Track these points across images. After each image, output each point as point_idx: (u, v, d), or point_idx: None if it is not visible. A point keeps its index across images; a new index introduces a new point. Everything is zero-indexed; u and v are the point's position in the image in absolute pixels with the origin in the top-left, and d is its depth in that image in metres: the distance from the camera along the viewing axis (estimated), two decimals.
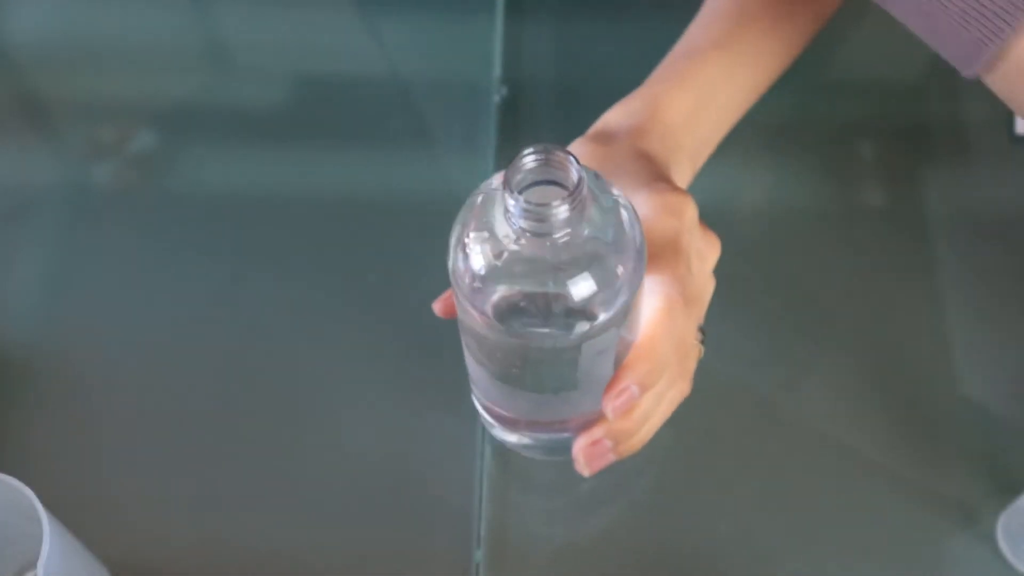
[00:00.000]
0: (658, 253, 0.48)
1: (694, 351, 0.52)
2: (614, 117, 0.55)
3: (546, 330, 0.43)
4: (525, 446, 0.55)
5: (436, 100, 0.69)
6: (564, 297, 0.42)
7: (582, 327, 0.43)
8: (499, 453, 0.57)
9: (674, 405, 0.52)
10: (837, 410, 0.59)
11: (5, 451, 0.57)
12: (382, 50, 0.73)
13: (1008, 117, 0.67)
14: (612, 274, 0.42)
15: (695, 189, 0.63)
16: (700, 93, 0.56)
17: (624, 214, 0.43)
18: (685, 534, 0.55)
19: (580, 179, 0.39)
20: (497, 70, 0.70)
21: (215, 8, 0.75)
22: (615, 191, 0.43)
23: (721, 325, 0.61)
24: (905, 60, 0.71)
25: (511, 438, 0.54)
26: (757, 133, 0.67)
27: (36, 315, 0.62)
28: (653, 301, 0.47)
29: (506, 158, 0.65)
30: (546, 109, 0.68)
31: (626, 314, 0.44)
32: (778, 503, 0.56)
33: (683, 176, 0.55)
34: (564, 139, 0.56)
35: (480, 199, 0.43)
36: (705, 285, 0.52)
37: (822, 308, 0.62)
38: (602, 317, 0.43)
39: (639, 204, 0.48)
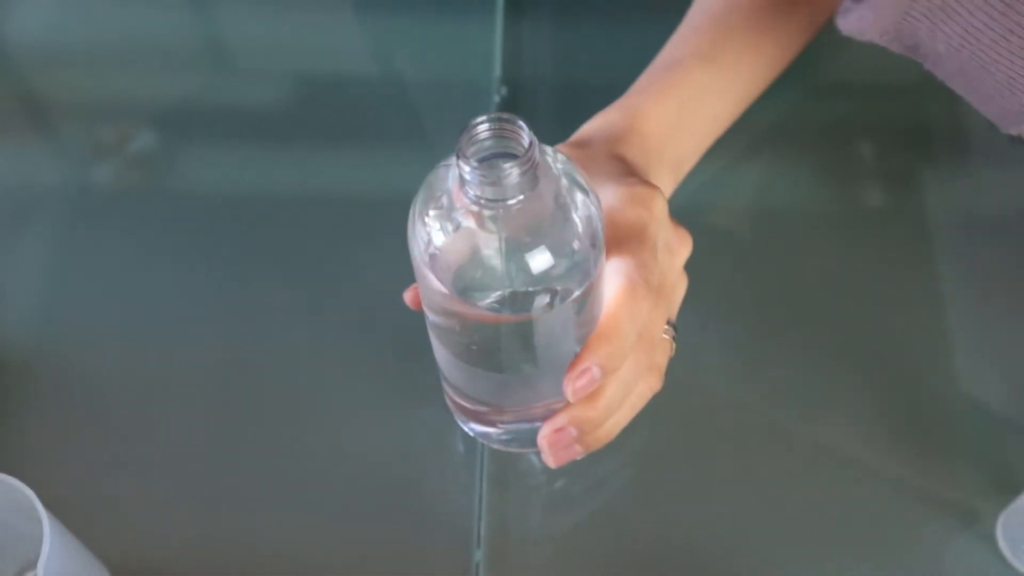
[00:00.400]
0: (623, 239, 0.48)
1: (664, 345, 0.51)
2: (593, 127, 0.55)
3: (502, 303, 0.43)
4: (498, 439, 0.55)
5: (436, 100, 0.69)
6: (519, 266, 0.42)
7: (540, 300, 0.43)
8: (499, 453, 0.57)
9: (644, 400, 0.51)
10: (836, 410, 0.59)
11: (5, 451, 0.57)
12: (382, 50, 0.73)
13: None
14: (568, 245, 0.43)
15: (693, 188, 0.63)
16: (681, 104, 0.56)
17: (580, 184, 0.44)
18: (687, 534, 0.55)
19: (531, 143, 0.40)
20: (497, 70, 0.70)
21: (215, 8, 0.75)
22: (573, 166, 0.44)
23: (720, 324, 0.61)
24: (905, 60, 0.71)
25: (483, 431, 0.54)
26: (756, 133, 0.67)
27: (36, 315, 0.62)
28: (615, 282, 0.47)
29: None
30: (546, 109, 0.68)
31: (585, 293, 0.44)
32: (779, 503, 0.56)
33: (663, 185, 0.55)
34: (563, 139, 0.56)
35: (437, 174, 0.44)
36: (676, 281, 0.51)
37: (821, 308, 0.62)
38: (558, 288, 0.43)
39: (608, 195, 0.48)
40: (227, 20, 0.74)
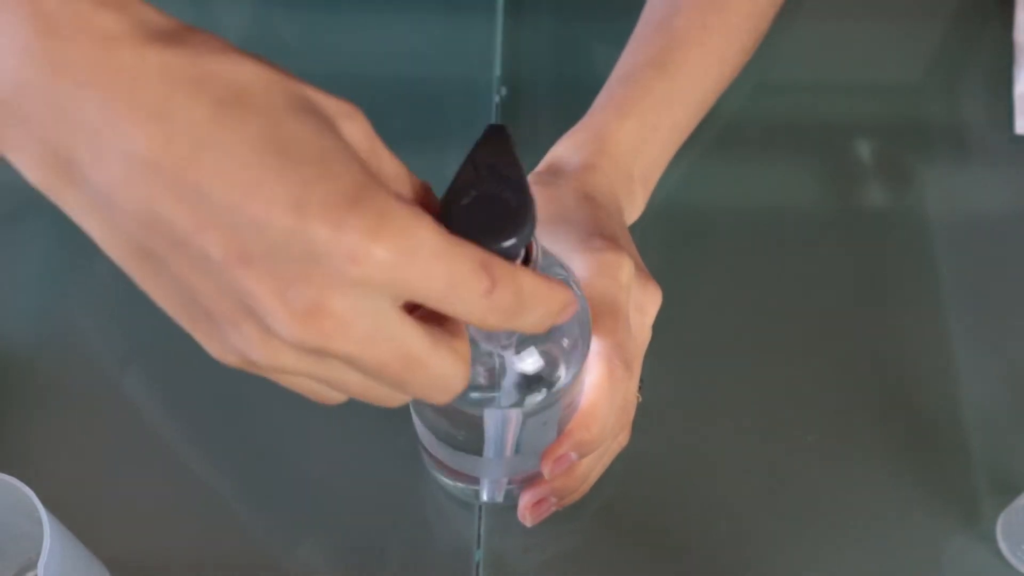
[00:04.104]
0: (597, 316, 0.47)
1: (633, 402, 0.51)
2: (563, 152, 0.55)
3: (492, 404, 0.43)
4: (464, 491, 0.55)
5: (436, 100, 0.69)
6: (512, 374, 0.42)
7: (532, 397, 0.43)
8: None
9: (614, 455, 0.53)
10: (836, 410, 0.59)
11: (5, 451, 0.57)
12: (382, 50, 0.73)
13: (1008, 117, 0.67)
14: (559, 349, 0.43)
15: (693, 188, 0.63)
16: (643, 119, 0.56)
17: (571, 288, 0.43)
18: (687, 534, 0.55)
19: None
20: (497, 70, 0.70)
21: (215, 8, 0.74)
22: (560, 270, 0.43)
23: (719, 324, 0.61)
24: (905, 60, 0.71)
25: (454, 484, 0.54)
26: (756, 133, 0.67)
27: (36, 315, 0.62)
28: (594, 368, 0.47)
29: None
30: (546, 109, 0.68)
31: (573, 382, 0.44)
32: (779, 503, 0.56)
33: (635, 204, 0.56)
34: None
35: None
36: (644, 340, 0.51)
37: (821, 308, 0.62)
38: (547, 392, 0.43)
39: (576, 264, 0.48)
40: (227, 20, 0.74)
